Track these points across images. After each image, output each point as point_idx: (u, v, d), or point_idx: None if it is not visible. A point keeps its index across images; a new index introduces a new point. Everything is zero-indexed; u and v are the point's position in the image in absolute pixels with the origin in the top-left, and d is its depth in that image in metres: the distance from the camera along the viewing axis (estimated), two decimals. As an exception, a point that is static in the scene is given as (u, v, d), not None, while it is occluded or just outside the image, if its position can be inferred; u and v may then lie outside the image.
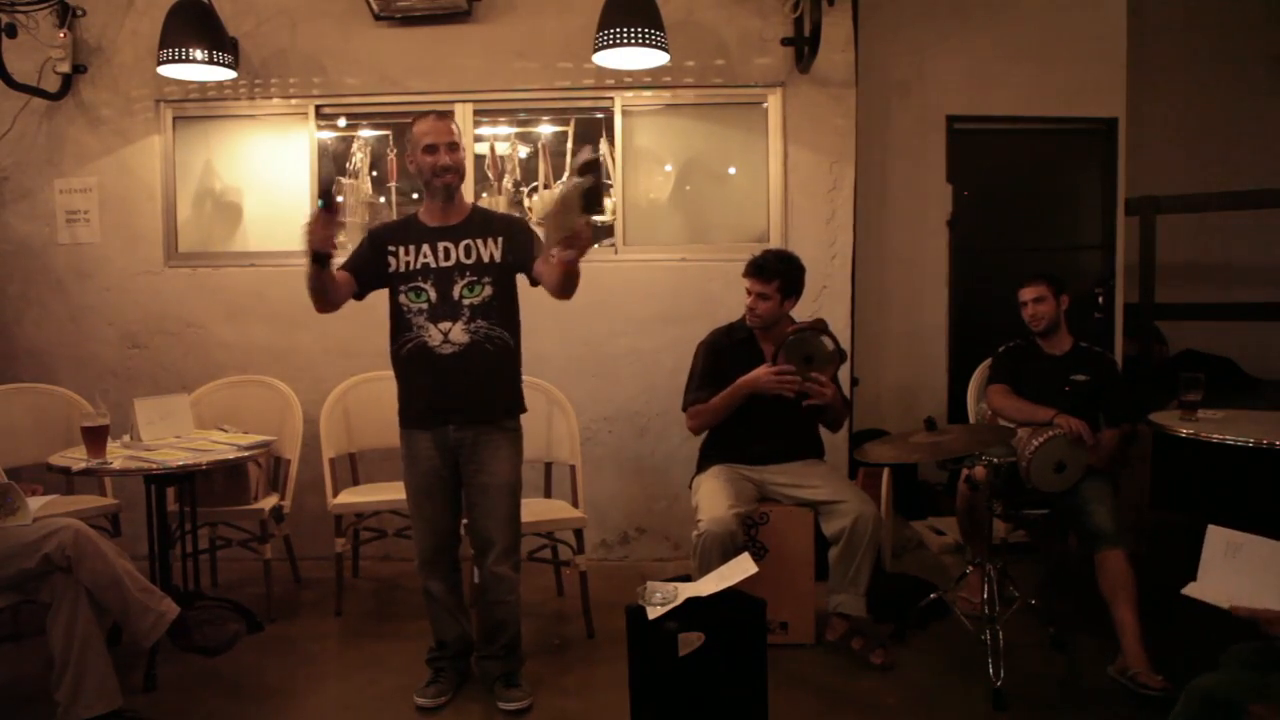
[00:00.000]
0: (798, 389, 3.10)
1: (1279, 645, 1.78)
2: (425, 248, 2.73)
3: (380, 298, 2.80)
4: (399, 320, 2.76)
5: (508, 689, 2.81)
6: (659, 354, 4.18)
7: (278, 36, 4.19)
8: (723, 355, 3.31)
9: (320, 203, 2.55)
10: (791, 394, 3.12)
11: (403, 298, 2.74)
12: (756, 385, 3.13)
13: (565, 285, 2.64)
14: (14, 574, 2.50)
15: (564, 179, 2.45)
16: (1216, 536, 1.96)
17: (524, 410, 2.88)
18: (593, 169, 2.44)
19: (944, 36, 4.89)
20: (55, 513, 2.83)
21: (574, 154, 2.48)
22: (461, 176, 2.76)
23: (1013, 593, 3.12)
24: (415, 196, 4.29)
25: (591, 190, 2.41)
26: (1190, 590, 1.95)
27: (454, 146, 2.72)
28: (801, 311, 3.44)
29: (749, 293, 3.25)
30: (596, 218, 2.54)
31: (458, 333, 2.70)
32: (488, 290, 2.72)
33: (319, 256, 2.55)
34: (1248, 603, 1.84)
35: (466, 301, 2.71)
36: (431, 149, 2.70)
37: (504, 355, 2.77)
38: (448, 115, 2.81)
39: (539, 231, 2.60)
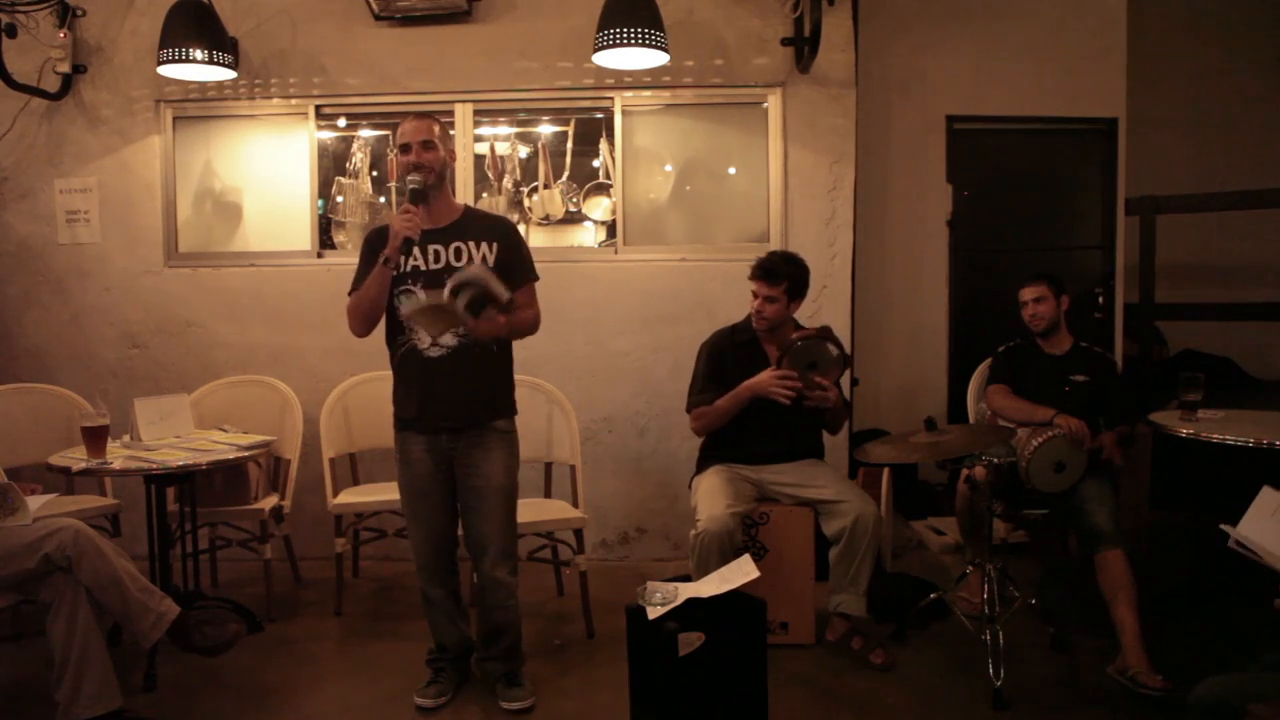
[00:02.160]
0: (799, 394, 3.11)
1: None
2: (415, 250, 2.70)
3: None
4: (393, 324, 2.76)
5: (510, 688, 2.81)
6: (659, 354, 4.18)
7: (278, 36, 4.19)
8: (726, 357, 3.30)
9: (410, 193, 2.64)
10: (789, 401, 3.11)
11: (396, 300, 2.72)
12: (760, 389, 3.14)
13: (513, 336, 2.79)
14: (14, 574, 2.50)
15: (447, 289, 2.55)
16: (1270, 497, 1.93)
17: (514, 413, 2.88)
18: (470, 285, 2.51)
19: (944, 36, 4.89)
20: (55, 513, 2.83)
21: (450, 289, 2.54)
22: (437, 176, 2.70)
23: (1013, 593, 3.11)
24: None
25: (480, 301, 2.52)
26: (1231, 529, 1.89)
27: (428, 145, 2.67)
28: (802, 312, 3.43)
29: (756, 295, 3.24)
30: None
31: (446, 336, 2.69)
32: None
33: (399, 249, 2.62)
34: None
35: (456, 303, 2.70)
36: (405, 149, 2.69)
37: (493, 358, 2.76)
38: (428, 117, 2.75)
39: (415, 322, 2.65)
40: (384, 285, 2.67)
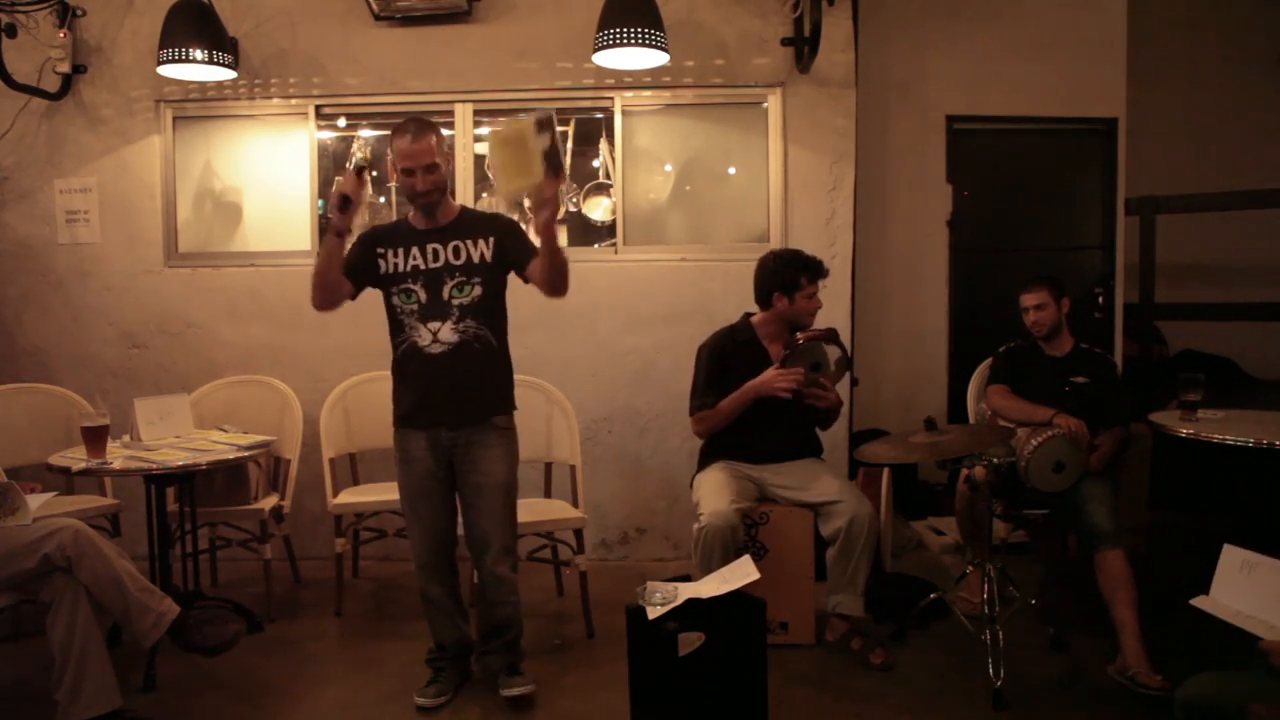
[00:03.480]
0: (800, 389, 3.13)
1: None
2: (414, 250, 2.73)
3: (378, 299, 2.81)
4: (393, 322, 2.78)
5: (511, 677, 2.82)
6: (659, 354, 4.18)
7: (278, 36, 4.19)
8: (728, 358, 3.30)
9: (354, 168, 2.62)
10: (790, 395, 3.13)
11: (395, 299, 2.75)
12: (764, 388, 3.15)
13: (553, 276, 2.67)
14: (14, 574, 2.49)
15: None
16: (1232, 555, 1.96)
17: (513, 408, 2.88)
18: (547, 126, 2.45)
19: (944, 36, 4.89)
20: (55, 513, 2.83)
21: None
22: (443, 192, 2.74)
23: (1013, 593, 3.12)
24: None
25: (553, 154, 2.45)
26: (1199, 602, 1.94)
27: (432, 168, 2.66)
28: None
29: (810, 297, 3.24)
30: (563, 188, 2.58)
31: (446, 332, 2.70)
32: (477, 290, 2.72)
33: (337, 229, 2.59)
34: (1256, 615, 1.84)
35: (456, 302, 2.71)
36: (409, 173, 2.67)
37: (492, 354, 2.78)
38: (427, 129, 2.68)
39: (490, 176, 2.55)
40: (329, 255, 2.67)
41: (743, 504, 3.09)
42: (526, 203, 4.44)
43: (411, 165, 2.66)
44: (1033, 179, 5.16)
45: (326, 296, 2.74)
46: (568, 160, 4.53)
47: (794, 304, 3.25)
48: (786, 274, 3.26)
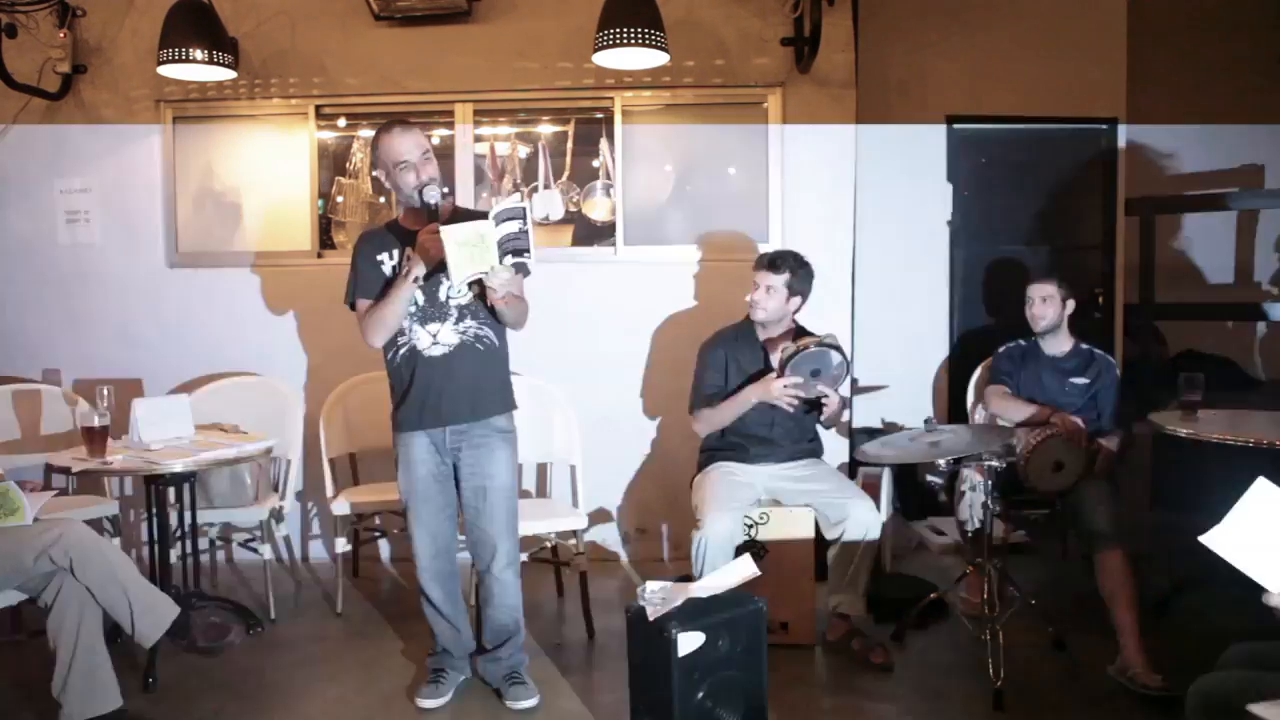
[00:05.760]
0: (805, 399, 3.14)
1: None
2: (409, 251, 2.69)
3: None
4: None
5: (515, 687, 2.82)
6: (659, 354, 4.18)
7: (278, 36, 4.19)
8: (728, 357, 3.31)
9: (431, 204, 2.58)
10: (794, 408, 3.15)
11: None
12: (765, 397, 3.16)
13: (506, 319, 2.73)
14: (14, 574, 2.50)
15: (493, 212, 2.49)
16: (1264, 488, 1.85)
17: (514, 408, 2.88)
18: (516, 215, 2.48)
19: (944, 36, 4.89)
20: (55, 513, 2.83)
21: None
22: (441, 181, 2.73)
23: (1013, 593, 3.12)
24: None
25: (511, 239, 2.47)
26: (1207, 539, 1.87)
27: (428, 156, 2.67)
28: (803, 312, 3.43)
29: (756, 285, 3.26)
30: (521, 259, 2.58)
31: (446, 334, 2.69)
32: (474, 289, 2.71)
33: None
34: (1266, 558, 1.77)
35: (454, 302, 2.70)
36: (406, 166, 2.65)
37: (493, 354, 2.77)
38: (412, 125, 2.72)
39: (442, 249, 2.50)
40: (410, 300, 2.66)
41: (741, 509, 3.09)
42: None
43: (408, 159, 2.65)
44: (1033, 179, 5.16)
45: (390, 335, 2.72)
46: (567, 160, 4.53)
47: None
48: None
